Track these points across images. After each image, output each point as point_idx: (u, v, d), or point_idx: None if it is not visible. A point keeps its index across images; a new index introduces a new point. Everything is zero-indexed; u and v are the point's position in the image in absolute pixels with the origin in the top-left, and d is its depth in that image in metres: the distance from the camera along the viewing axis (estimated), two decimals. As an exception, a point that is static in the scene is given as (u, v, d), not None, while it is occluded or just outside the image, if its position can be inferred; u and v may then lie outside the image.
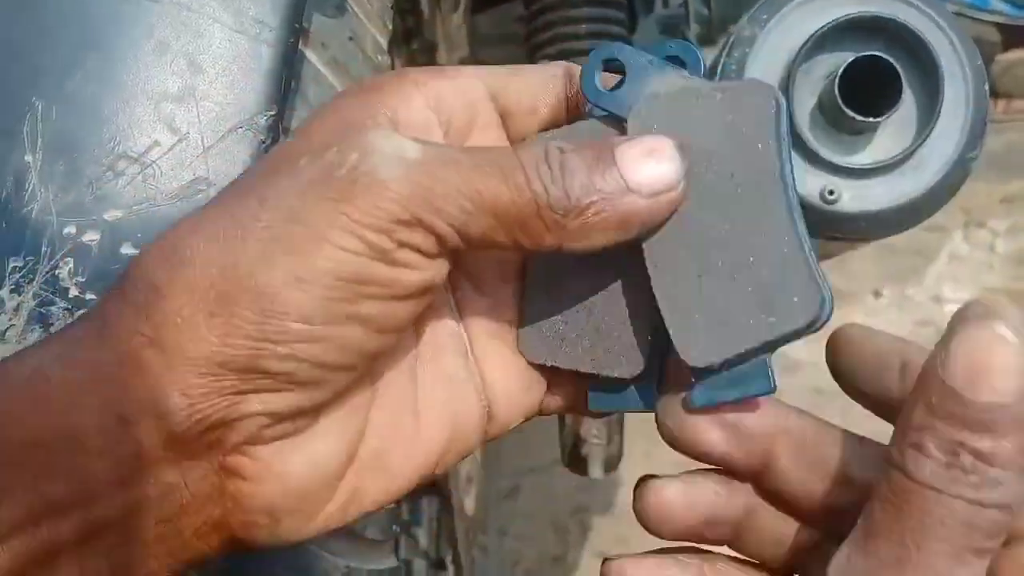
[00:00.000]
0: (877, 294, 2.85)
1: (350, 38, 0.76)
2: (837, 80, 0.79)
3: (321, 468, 0.45)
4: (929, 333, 2.71)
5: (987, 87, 0.84)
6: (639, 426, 2.22)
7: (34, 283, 0.50)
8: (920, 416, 0.39)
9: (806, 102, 0.83)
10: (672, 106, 0.47)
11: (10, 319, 0.49)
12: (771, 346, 0.45)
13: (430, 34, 1.34)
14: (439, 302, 0.50)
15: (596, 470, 1.02)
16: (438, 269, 0.44)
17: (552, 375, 0.52)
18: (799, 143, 0.82)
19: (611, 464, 1.06)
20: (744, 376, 0.45)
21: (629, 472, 2.26)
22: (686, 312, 0.45)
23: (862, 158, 0.83)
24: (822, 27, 0.81)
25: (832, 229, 0.85)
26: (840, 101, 0.79)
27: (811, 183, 0.83)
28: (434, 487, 1.04)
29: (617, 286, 0.48)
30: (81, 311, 0.50)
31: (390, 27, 0.85)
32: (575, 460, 1.05)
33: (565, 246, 0.43)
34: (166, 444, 0.41)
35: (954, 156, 0.83)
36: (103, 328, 0.41)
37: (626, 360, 0.48)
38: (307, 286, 0.41)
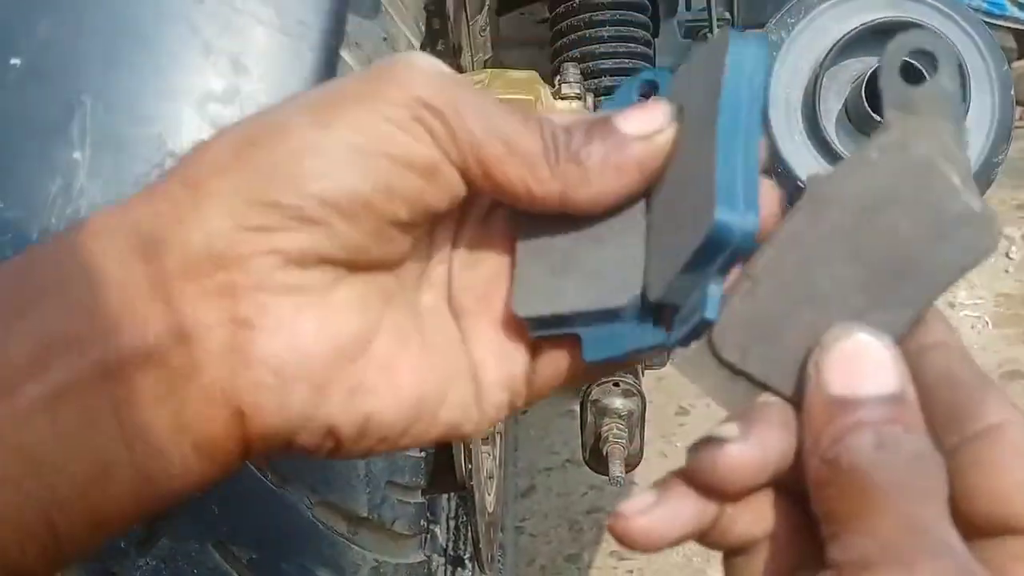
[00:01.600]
0: (892, 298, 2.85)
1: (384, 39, 0.77)
2: (864, 84, 0.80)
3: (333, 336, 0.45)
4: (944, 338, 2.71)
5: (1013, 92, 0.85)
6: (655, 426, 2.23)
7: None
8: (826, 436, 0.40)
9: (833, 106, 0.84)
10: (683, 75, 0.48)
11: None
12: (693, 267, 0.44)
13: (455, 36, 1.34)
14: (436, 267, 0.50)
15: (617, 469, 1.03)
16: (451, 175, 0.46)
17: (538, 345, 0.52)
18: (825, 147, 0.83)
19: (632, 462, 1.07)
20: (692, 310, 0.46)
21: (644, 472, 2.27)
22: (652, 252, 0.46)
23: (887, 163, 0.84)
24: (849, 32, 0.82)
25: (856, 233, 0.86)
26: (867, 105, 0.80)
27: (836, 187, 0.84)
28: (455, 484, 1.05)
29: (610, 236, 0.49)
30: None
31: (423, 29, 0.86)
32: (596, 458, 1.06)
33: (568, 194, 0.46)
34: (182, 275, 0.42)
35: (979, 161, 0.83)
36: (154, 182, 0.44)
37: (622, 289, 0.48)
38: (330, 131, 0.43)
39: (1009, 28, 3.95)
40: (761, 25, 0.91)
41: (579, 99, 1.13)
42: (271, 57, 0.56)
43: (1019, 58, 3.90)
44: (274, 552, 0.71)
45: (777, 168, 0.85)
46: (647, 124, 0.46)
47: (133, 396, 0.42)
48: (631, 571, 2.04)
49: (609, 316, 0.47)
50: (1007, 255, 3.01)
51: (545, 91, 1.12)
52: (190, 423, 0.43)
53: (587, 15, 1.32)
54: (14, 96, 0.54)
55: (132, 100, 0.55)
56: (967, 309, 2.82)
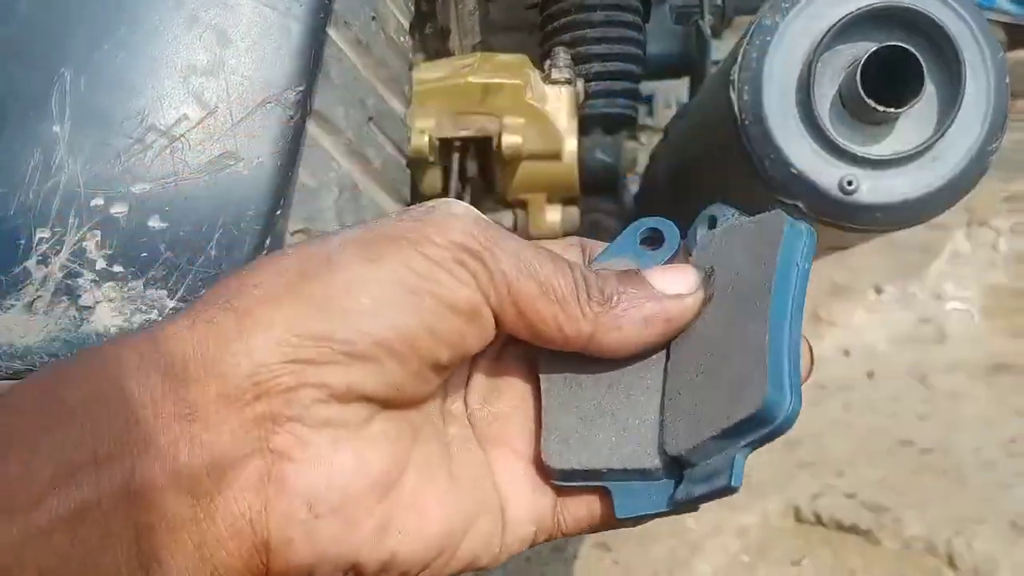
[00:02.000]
0: (879, 290, 2.85)
1: (373, 18, 0.75)
2: (859, 70, 0.79)
3: (368, 471, 0.45)
4: (930, 330, 2.72)
5: (1008, 80, 0.83)
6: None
7: (61, 254, 0.49)
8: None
9: (827, 91, 0.83)
10: (720, 239, 0.52)
11: (37, 290, 0.49)
12: (728, 435, 0.46)
13: (444, 19, 1.33)
14: (455, 399, 0.52)
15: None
16: (488, 318, 0.48)
17: (567, 491, 0.52)
18: (819, 133, 0.82)
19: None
20: (713, 472, 0.47)
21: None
22: (678, 408, 0.48)
23: (882, 149, 0.83)
24: (844, 16, 0.81)
25: (849, 220, 0.84)
26: (861, 91, 0.79)
27: (830, 173, 0.83)
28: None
29: (638, 388, 0.50)
30: (108, 283, 0.49)
31: (412, 9, 0.85)
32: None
33: (597, 337, 0.48)
34: (220, 401, 0.42)
35: (974, 149, 0.82)
36: (189, 307, 0.44)
37: (652, 446, 0.49)
38: (378, 266, 0.45)
39: (999, 21, 3.97)
40: (753, 11, 0.90)
41: (569, 84, 1.11)
42: (257, 31, 0.55)
43: (1010, 50, 3.91)
44: None
45: (771, 154, 0.84)
46: (679, 285, 0.50)
47: (156, 521, 0.41)
48: (616, 562, 2.03)
49: (640, 474, 0.48)
50: (994, 247, 3.01)
51: (535, 75, 1.11)
52: (212, 554, 0.42)
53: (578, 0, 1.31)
54: (-8, 69, 0.53)
55: (114, 73, 0.53)
56: (955, 301, 2.82)
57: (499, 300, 0.47)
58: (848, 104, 0.83)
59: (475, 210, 0.48)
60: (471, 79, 1.07)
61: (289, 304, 0.43)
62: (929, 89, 0.82)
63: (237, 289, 0.43)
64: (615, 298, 0.48)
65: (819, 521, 2.05)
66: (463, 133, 1.05)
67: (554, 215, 1.14)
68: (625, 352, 0.49)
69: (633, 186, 1.44)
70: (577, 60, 1.28)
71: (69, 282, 0.50)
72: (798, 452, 2.25)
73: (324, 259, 0.44)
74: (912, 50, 0.79)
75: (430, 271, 0.46)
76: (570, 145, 1.09)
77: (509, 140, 1.05)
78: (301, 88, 0.55)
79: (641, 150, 1.44)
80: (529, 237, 1.16)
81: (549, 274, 0.48)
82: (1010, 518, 2.01)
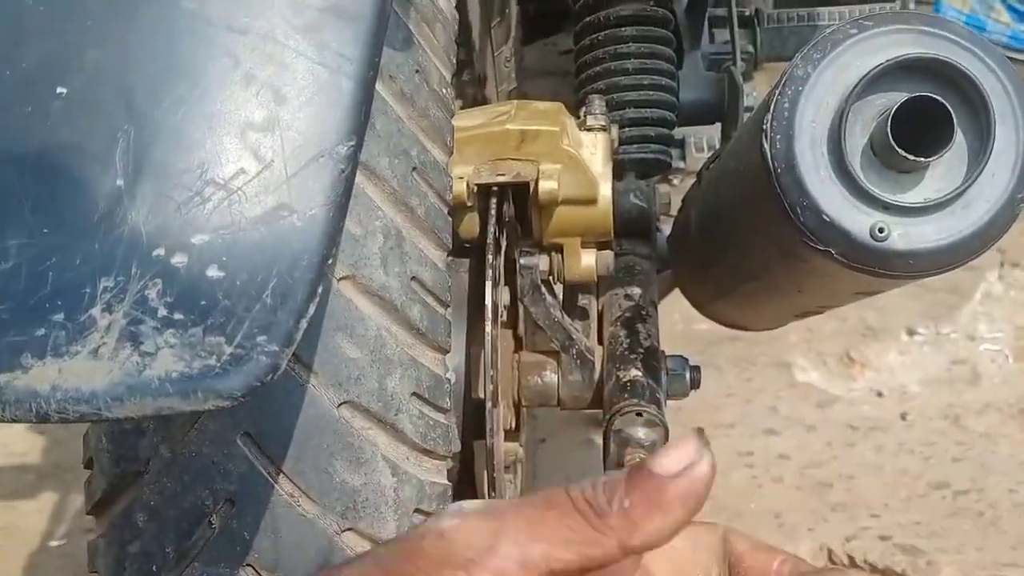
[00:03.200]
0: (911, 331, 2.85)
1: (416, 71, 0.78)
2: (890, 119, 0.81)
3: None
4: (964, 371, 2.71)
5: (1037, 128, 0.85)
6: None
7: (124, 302, 0.52)
8: None
9: (858, 140, 0.85)
10: None
11: (102, 337, 0.51)
12: None
13: (480, 67, 1.36)
14: None
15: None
16: None
17: None
18: (850, 181, 0.83)
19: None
20: None
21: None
22: None
23: (912, 196, 0.85)
24: (875, 67, 0.83)
25: (881, 266, 0.86)
26: (892, 140, 0.81)
27: (861, 221, 0.85)
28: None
29: None
30: (169, 330, 0.52)
31: (454, 61, 0.87)
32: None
33: (626, 541, 0.48)
34: None
35: (1004, 196, 0.84)
36: None
37: None
38: None
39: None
40: (784, 58, 0.92)
41: (604, 130, 1.14)
42: (311, 88, 0.57)
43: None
44: (301, 578, 0.71)
45: (803, 202, 0.85)
46: (681, 458, 0.49)
47: None
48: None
49: None
50: (1027, 289, 2.99)
51: (571, 122, 1.13)
52: None
53: (612, 47, 1.33)
54: (59, 125, 0.56)
55: (174, 129, 0.56)
56: (987, 343, 2.81)
57: None
58: (879, 153, 0.84)
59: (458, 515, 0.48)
60: (508, 126, 1.09)
61: None
62: (959, 138, 0.83)
63: None
64: (625, 501, 0.48)
65: (853, 563, 2.04)
66: (500, 179, 1.07)
67: (589, 258, 1.16)
68: (667, 540, 0.49)
69: (666, 228, 1.46)
70: (611, 107, 1.30)
71: (132, 329, 0.52)
72: (830, 494, 2.24)
73: None
74: (942, 100, 0.81)
75: None
76: (605, 190, 1.11)
77: (546, 186, 1.07)
78: (352, 143, 0.57)
79: (674, 192, 1.46)
80: (564, 280, 1.18)
81: (550, 518, 0.48)
82: (1046, 561, 1.99)
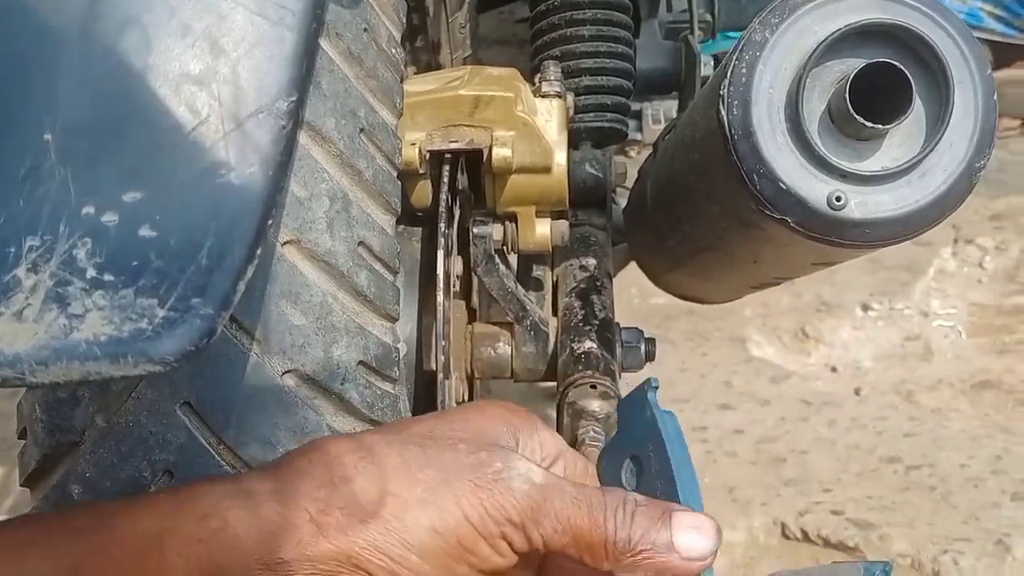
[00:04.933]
0: (865, 307, 2.86)
1: (365, 29, 0.76)
2: (848, 86, 0.79)
3: None
4: (917, 347, 2.72)
5: (995, 97, 0.84)
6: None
7: (51, 263, 0.49)
8: None
9: (816, 107, 0.83)
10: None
11: (27, 298, 0.49)
12: None
13: (435, 33, 1.33)
14: None
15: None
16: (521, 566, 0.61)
17: None
18: (808, 148, 0.82)
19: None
20: None
21: (616, 478, 2.26)
22: None
23: (870, 165, 0.83)
24: (834, 33, 0.81)
25: (837, 235, 0.85)
26: (850, 107, 0.79)
27: (818, 189, 0.83)
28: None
29: None
30: (98, 291, 0.49)
31: (403, 20, 0.85)
32: (572, 461, 1.05)
33: (617, 572, 0.59)
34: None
35: (962, 165, 0.83)
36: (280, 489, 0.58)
37: None
38: (427, 512, 0.57)
39: (986, 40, 4.00)
40: (742, 27, 0.90)
41: (560, 97, 1.12)
42: (250, 40, 0.55)
43: (995, 70, 3.94)
44: None
45: (759, 169, 0.84)
46: (693, 549, 0.59)
47: None
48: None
49: None
50: (980, 265, 3.02)
51: (525, 89, 1.11)
52: None
53: (568, 13, 1.31)
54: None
55: (104, 81, 0.53)
56: (940, 319, 2.83)
57: (536, 549, 0.59)
58: (837, 120, 0.83)
59: (534, 475, 0.60)
60: (461, 92, 1.07)
61: (348, 528, 0.57)
62: (917, 106, 0.82)
63: (323, 504, 0.57)
64: (637, 548, 0.58)
65: (806, 538, 2.05)
66: (453, 145, 1.05)
67: (543, 228, 1.14)
68: None
69: (622, 200, 1.45)
70: (567, 74, 1.28)
71: (59, 290, 0.49)
72: (784, 469, 2.25)
73: (389, 491, 0.57)
74: (900, 67, 0.80)
75: (472, 537, 0.57)
76: (560, 158, 1.09)
77: (500, 153, 1.05)
78: (293, 99, 0.55)
79: (631, 165, 1.44)
80: (519, 250, 1.16)
81: (584, 528, 0.58)
82: (996, 536, 2.01)
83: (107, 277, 0.50)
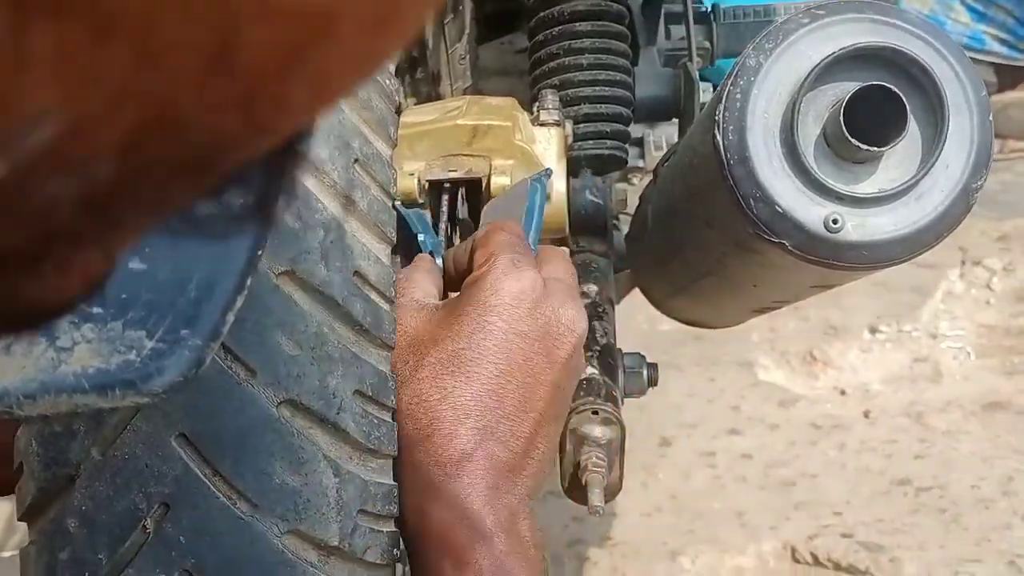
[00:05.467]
0: (873, 330, 2.85)
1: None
2: (842, 109, 0.80)
3: None
4: (926, 369, 2.71)
5: (991, 118, 0.84)
6: (637, 456, 2.21)
7: (41, 296, 0.49)
8: None
9: (811, 131, 0.84)
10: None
11: (16, 332, 0.49)
12: None
13: (434, 64, 1.34)
14: None
15: (596, 498, 1.01)
16: None
17: None
18: (804, 172, 0.82)
19: (612, 492, 1.05)
20: None
21: (626, 503, 2.26)
22: None
23: (866, 187, 0.84)
24: (828, 56, 0.82)
25: (835, 258, 0.85)
26: (845, 130, 0.80)
27: (815, 212, 0.83)
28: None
29: None
30: (87, 324, 0.49)
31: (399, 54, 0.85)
32: (575, 488, 1.05)
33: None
34: None
35: (959, 186, 0.83)
36: None
37: None
38: None
39: (989, 62, 4.00)
40: (740, 54, 0.90)
41: (558, 125, 1.12)
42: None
43: (999, 92, 3.94)
44: (242, 583, 0.69)
45: (756, 193, 0.84)
46: None
47: None
48: (612, 604, 2.02)
49: None
50: (988, 286, 3.01)
51: (523, 117, 1.12)
52: None
53: (567, 42, 1.32)
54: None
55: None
56: (949, 340, 2.82)
57: None
58: (832, 143, 0.83)
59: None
60: (460, 121, 1.07)
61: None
62: (912, 128, 0.82)
63: None
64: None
65: (816, 561, 2.04)
66: (452, 175, 1.05)
67: (544, 256, 1.14)
68: None
69: (625, 227, 1.45)
70: (566, 103, 1.28)
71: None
72: (793, 493, 2.24)
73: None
74: (895, 89, 0.80)
75: None
76: (559, 186, 1.10)
77: (498, 181, 1.05)
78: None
79: (631, 191, 1.44)
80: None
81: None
82: (1008, 558, 1.99)
83: (96, 310, 0.50)
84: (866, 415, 2.54)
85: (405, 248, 0.90)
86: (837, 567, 2.01)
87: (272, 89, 0.24)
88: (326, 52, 0.24)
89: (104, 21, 0.21)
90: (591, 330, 1.18)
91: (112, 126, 0.23)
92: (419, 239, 0.90)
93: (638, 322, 2.63)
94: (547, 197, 1.10)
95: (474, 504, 0.71)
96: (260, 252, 0.54)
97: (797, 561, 2.05)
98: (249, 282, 0.53)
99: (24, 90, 0.21)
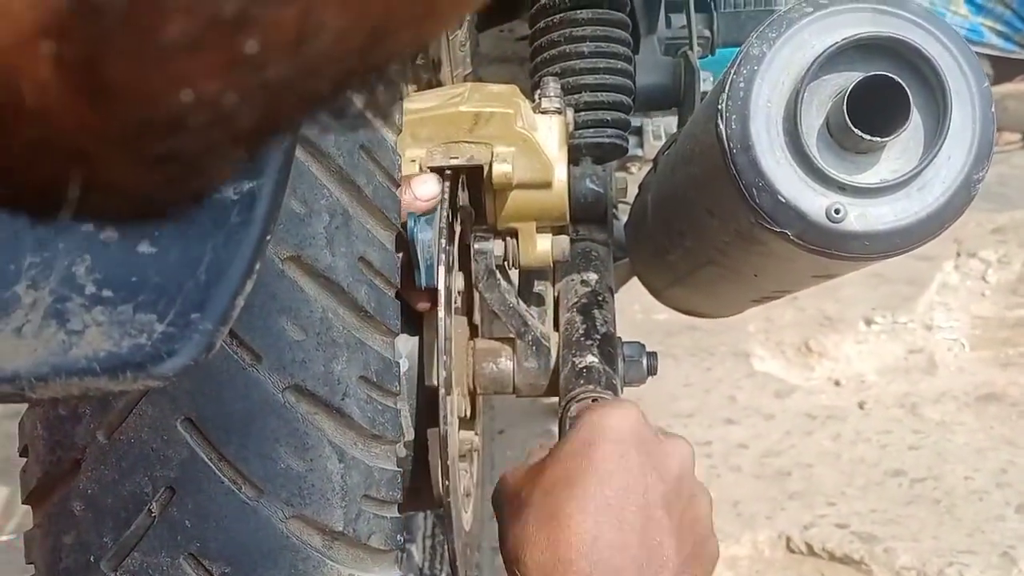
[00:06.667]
0: (868, 321, 2.86)
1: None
2: (845, 99, 0.80)
3: None
4: (920, 360, 2.72)
5: (993, 110, 0.84)
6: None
7: (50, 279, 0.49)
8: None
9: (814, 121, 0.84)
10: None
11: (26, 315, 0.49)
12: None
13: (435, 51, 1.34)
14: None
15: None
16: None
17: None
18: (806, 161, 0.82)
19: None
20: None
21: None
22: None
23: (868, 177, 0.84)
24: (831, 46, 0.82)
25: (837, 248, 0.85)
26: (848, 120, 0.80)
27: (817, 202, 0.83)
28: (432, 501, 1.03)
29: None
30: (97, 307, 0.49)
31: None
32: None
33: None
34: None
35: (960, 177, 0.83)
36: None
37: None
38: None
39: (986, 55, 4.01)
40: (741, 43, 0.90)
41: (559, 113, 1.12)
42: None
43: (995, 84, 3.95)
44: (247, 566, 0.69)
45: (758, 183, 0.84)
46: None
47: None
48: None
49: None
50: (983, 278, 3.02)
51: (525, 105, 1.11)
52: None
53: (567, 30, 1.32)
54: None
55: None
56: (944, 332, 2.83)
57: None
58: (835, 133, 0.83)
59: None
60: (462, 108, 1.07)
61: None
62: (915, 118, 0.82)
63: None
64: None
65: (811, 551, 2.05)
66: (453, 162, 1.05)
67: (544, 243, 1.14)
68: None
69: (624, 216, 1.45)
70: (567, 90, 1.28)
71: (58, 306, 0.49)
72: (788, 483, 2.25)
73: None
74: (898, 79, 0.80)
75: None
76: (560, 174, 1.10)
77: (500, 169, 1.05)
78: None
79: (632, 180, 1.44)
80: (520, 266, 1.16)
81: None
82: (1001, 548, 2.00)
83: (106, 293, 0.50)
84: (861, 406, 2.55)
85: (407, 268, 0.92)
86: (831, 557, 2.02)
87: None
88: None
89: None
90: (591, 318, 1.18)
91: (359, 38, 0.28)
92: (414, 273, 0.93)
93: (633, 311, 2.63)
94: (548, 185, 1.10)
95: None
96: (268, 236, 0.54)
97: (792, 551, 2.06)
98: (258, 267, 0.53)
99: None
